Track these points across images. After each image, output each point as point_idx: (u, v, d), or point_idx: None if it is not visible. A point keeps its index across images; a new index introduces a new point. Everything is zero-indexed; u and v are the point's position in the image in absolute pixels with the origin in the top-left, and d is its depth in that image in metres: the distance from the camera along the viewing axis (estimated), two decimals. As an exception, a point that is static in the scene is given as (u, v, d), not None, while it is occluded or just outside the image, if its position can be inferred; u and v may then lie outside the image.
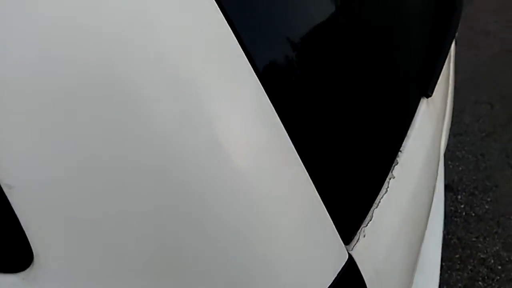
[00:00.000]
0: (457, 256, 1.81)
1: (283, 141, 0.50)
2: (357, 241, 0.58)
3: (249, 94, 0.47)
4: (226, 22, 0.45)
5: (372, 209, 0.62)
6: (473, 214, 1.97)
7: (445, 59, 0.85)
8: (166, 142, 0.43)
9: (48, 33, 0.41)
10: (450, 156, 2.22)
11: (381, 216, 0.63)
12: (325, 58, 0.61)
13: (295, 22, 0.58)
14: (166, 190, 0.44)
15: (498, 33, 3.06)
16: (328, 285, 0.53)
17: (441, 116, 0.90)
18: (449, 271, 1.75)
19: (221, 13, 0.45)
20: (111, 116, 0.42)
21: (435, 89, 0.83)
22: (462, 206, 2.01)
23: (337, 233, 0.55)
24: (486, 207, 1.99)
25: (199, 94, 0.43)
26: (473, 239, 1.87)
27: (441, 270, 1.53)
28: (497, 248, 1.82)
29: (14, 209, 0.46)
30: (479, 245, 1.84)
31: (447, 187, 2.00)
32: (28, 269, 0.49)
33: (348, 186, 0.61)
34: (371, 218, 0.62)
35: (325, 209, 0.54)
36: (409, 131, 0.73)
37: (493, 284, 1.70)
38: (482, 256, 1.80)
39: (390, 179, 0.67)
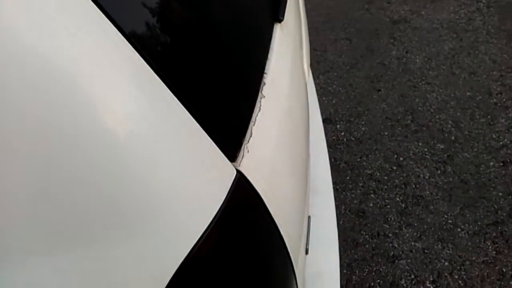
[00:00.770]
0: (347, 177, 1.97)
1: (148, 74, 0.50)
2: (242, 157, 0.61)
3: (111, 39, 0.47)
4: None
5: (250, 126, 0.66)
6: (353, 139, 2.15)
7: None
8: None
9: None
10: (323, 92, 2.38)
11: (260, 131, 0.66)
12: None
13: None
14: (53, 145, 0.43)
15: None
16: (222, 201, 0.55)
17: (298, 39, 0.96)
18: (344, 192, 1.91)
19: None
20: None
21: (286, 15, 0.88)
22: (342, 133, 2.18)
23: (221, 152, 0.58)
24: (363, 129, 2.19)
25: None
26: (358, 159, 2.05)
27: (336, 192, 1.67)
28: (380, 162, 2.03)
29: None
30: (364, 163, 2.03)
31: (326, 120, 2.15)
32: None
33: (223, 109, 0.63)
34: (251, 134, 0.65)
35: (205, 133, 0.56)
36: (269, 54, 0.77)
37: (383, 194, 1.90)
38: (368, 172, 1.99)
39: (261, 98, 0.71)
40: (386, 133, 2.15)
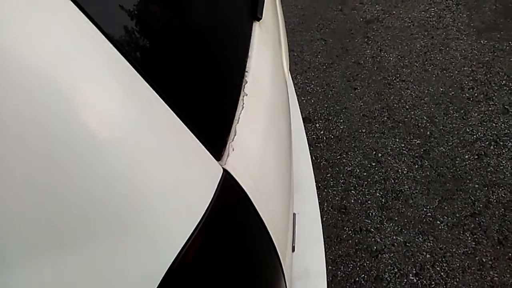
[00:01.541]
0: (328, 175, 1.99)
1: (131, 73, 0.49)
2: (228, 156, 0.61)
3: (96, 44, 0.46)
4: None
5: (234, 125, 0.65)
6: (332, 137, 2.17)
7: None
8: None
9: None
10: (301, 92, 2.40)
11: (244, 130, 0.66)
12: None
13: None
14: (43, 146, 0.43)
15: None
16: (209, 200, 0.55)
17: (276, 38, 0.97)
18: (325, 189, 1.92)
19: None
20: None
21: (264, 13, 0.89)
22: (322, 132, 2.20)
23: (207, 151, 0.58)
24: (341, 127, 2.21)
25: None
26: (338, 157, 2.07)
27: (318, 189, 1.68)
28: (359, 159, 2.05)
29: None
30: (344, 160, 2.05)
31: (305, 119, 2.17)
32: None
33: (207, 108, 0.63)
34: (235, 133, 0.65)
35: (190, 132, 0.56)
36: (249, 52, 0.78)
37: (363, 189, 1.92)
38: (348, 169, 2.01)
39: (243, 96, 0.71)
40: (364, 130, 2.18)
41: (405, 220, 1.80)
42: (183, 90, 0.59)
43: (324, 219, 1.81)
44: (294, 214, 1.02)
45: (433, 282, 1.61)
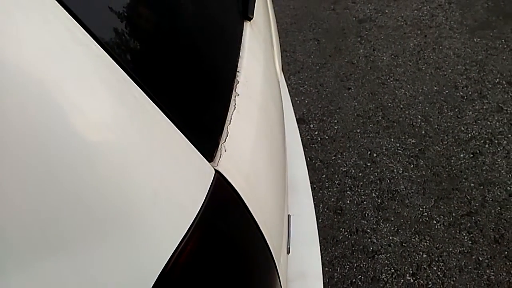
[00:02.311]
0: (323, 176, 1.98)
1: (120, 75, 0.48)
2: (220, 157, 0.60)
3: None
4: None
5: (226, 125, 0.64)
6: (327, 137, 2.16)
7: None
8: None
9: None
10: (295, 93, 2.39)
11: (236, 130, 0.65)
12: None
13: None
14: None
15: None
16: (202, 202, 0.53)
17: (268, 38, 0.96)
18: (321, 191, 1.91)
19: None
20: None
21: (255, 13, 0.87)
22: (316, 132, 2.19)
23: (198, 153, 0.56)
24: (336, 128, 2.21)
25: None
26: (333, 157, 2.06)
27: (313, 190, 1.67)
28: (354, 159, 2.04)
29: None
30: (339, 161, 2.04)
31: (299, 120, 2.16)
32: None
33: (198, 109, 0.62)
34: (228, 133, 0.64)
35: (181, 133, 0.55)
36: (241, 52, 0.76)
37: (359, 190, 1.91)
38: (344, 169, 2.00)
39: (235, 96, 0.69)
40: (358, 130, 2.17)
41: (401, 220, 1.79)
42: (174, 92, 0.58)
43: (320, 220, 1.79)
44: (289, 216, 1.01)
45: (430, 282, 1.60)
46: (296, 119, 1.64)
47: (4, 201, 0.43)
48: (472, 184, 1.88)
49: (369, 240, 1.74)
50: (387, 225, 1.78)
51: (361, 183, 1.94)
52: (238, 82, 0.72)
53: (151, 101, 0.51)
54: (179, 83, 0.60)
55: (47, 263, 0.46)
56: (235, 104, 0.69)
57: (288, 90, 1.71)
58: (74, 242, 0.46)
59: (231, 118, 0.66)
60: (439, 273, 1.62)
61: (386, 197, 1.87)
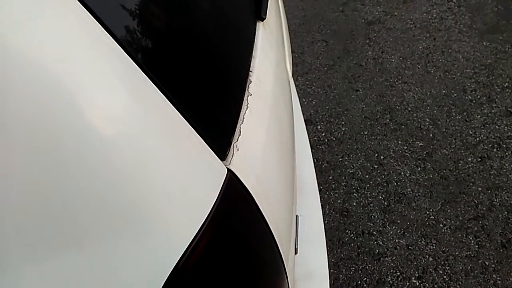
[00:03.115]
0: (330, 177, 1.98)
1: (136, 73, 0.49)
2: (232, 155, 0.60)
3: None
4: None
5: (238, 124, 0.65)
6: (334, 139, 2.16)
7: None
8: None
9: None
10: (303, 94, 2.39)
11: (248, 129, 0.66)
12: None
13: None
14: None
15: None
16: (214, 200, 0.54)
17: (280, 38, 0.96)
18: (327, 192, 1.91)
19: None
20: None
21: (268, 13, 0.88)
22: (323, 134, 2.19)
23: (211, 151, 0.57)
24: (343, 129, 2.20)
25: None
26: (340, 159, 2.06)
27: (320, 192, 1.66)
28: (361, 161, 2.04)
29: None
30: (346, 163, 2.04)
31: (307, 121, 2.16)
32: None
33: (211, 107, 0.62)
34: (240, 133, 0.64)
35: (195, 131, 0.55)
36: (253, 52, 0.77)
37: (366, 192, 1.91)
38: (351, 171, 2.00)
39: (248, 96, 0.70)
40: (366, 133, 2.17)
41: (408, 223, 1.79)
42: (188, 91, 0.59)
43: (326, 222, 1.79)
44: (297, 216, 1.01)
45: (435, 286, 1.60)
46: (304, 120, 1.64)
47: (19, 196, 0.43)
48: (480, 188, 1.87)
49: (375, 242, 1.74)
50: (394, 227, 1.78)
51: (368, 185, 1.94)
52: (251, 81, 0.73)
53: (166, 99, 0.52)
54: (194, 82, 0.61)
55: (61, 258, 0.46)
56: (248, 103, 0.69)
57: (296, 91, 1.71)
58: (88, 237, 0.47)
59: (243, 118, 0.67)
60: (445, 276, 1.62)
61: (392, 199, 1.87)
